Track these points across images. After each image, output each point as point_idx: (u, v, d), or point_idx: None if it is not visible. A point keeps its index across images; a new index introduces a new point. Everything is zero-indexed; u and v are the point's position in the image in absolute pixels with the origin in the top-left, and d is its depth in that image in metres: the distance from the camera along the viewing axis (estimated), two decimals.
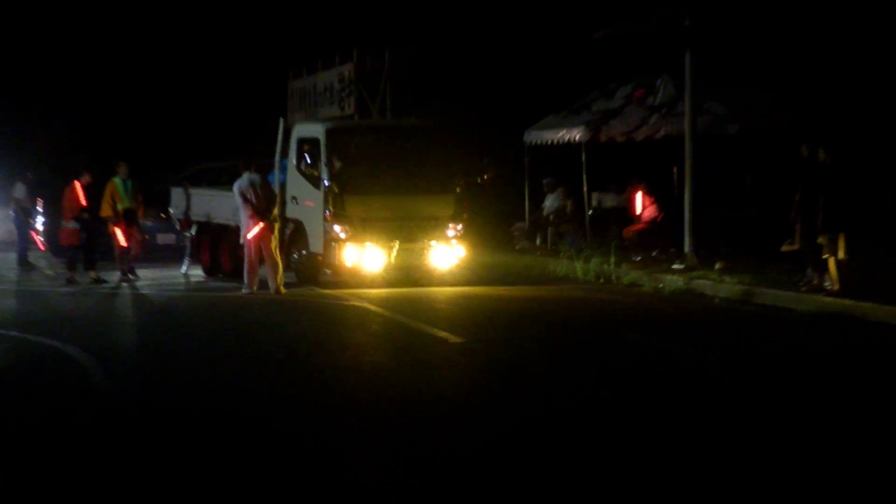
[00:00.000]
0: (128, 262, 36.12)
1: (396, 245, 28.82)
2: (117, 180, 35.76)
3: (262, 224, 30.46)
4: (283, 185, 31.04)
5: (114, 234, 35.66)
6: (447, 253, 29.60)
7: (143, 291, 33.45)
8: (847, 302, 24.01)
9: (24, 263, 38.21)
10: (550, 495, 12.15)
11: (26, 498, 12.39)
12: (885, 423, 15.12)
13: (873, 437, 14.49)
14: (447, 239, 29.67)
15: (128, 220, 36.15)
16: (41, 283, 36.11)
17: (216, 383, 18.72)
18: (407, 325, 22.74)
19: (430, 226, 29.46)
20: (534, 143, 41.15)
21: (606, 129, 38.52)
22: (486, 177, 35.86)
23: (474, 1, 40.42)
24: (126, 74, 68.63)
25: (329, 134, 29.46)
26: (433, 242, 29.37)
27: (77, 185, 35.57)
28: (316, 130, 30.01)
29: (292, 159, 30.87)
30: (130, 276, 35.76)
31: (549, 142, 39.68)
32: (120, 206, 35.60)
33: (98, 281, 34.97)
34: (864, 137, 33.60)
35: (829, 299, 24.54)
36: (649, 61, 36.22)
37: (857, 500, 11.99)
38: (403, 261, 29.07)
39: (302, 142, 30.49)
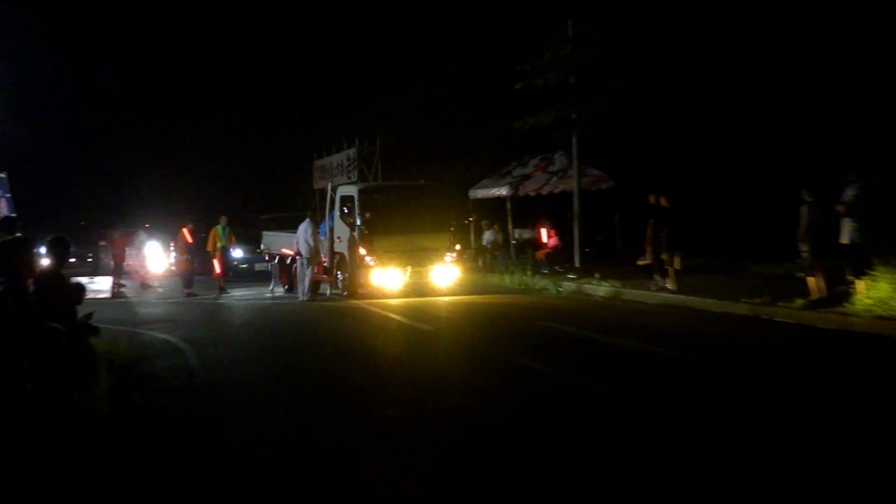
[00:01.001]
0: (222, 282, 36.87)
1: (409, 269, 29.39)
2: (218, 227, 37.29)
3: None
4: (331, 229, 31.33)
5: (212, 265, 37.21)
6: (445, 273, 30.01)
7: (232, 302, 33.21)
8: (681, 297, 24.64)
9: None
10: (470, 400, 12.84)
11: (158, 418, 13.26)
12: (698, 364, 15.99)
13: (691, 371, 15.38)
14: (445, 263, 30.08)
15: (223, 254, 37.64)
16: (163, 297, 35.87)
17: (270, 356, 19.42)
18: (403, 321, 23.01)
19: (433, 254, 29.85)
20: (475, 197, 42.09)
21: (523, 187, 39.49)
22: (470, 220, 38.04)
23: (430, 105, 40.66)
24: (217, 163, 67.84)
25: (361, 192, 30.00)
26: (435, 266, 29.84)
27: (184, 230, 36.98)
28: (352, 190, 30.47)
29: (337, 211, 31.07)
30: (223, 292, 36.06)
31: (485, 196, 40.37)
32: (218, 245, 36.93)
33: (192, 295, 35.27)
34: (691, 188, 34.41)
35: (669, 296, 25.11)
36: (550, 141, 36.74)
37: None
38: (414, 279, 29.49)
39: (343, 198, 30.79)
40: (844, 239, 20.22)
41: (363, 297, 28.35)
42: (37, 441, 7.31)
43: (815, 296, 21.03)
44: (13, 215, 14.04)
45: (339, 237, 30.24)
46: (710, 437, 11.07)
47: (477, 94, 37.44)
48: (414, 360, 17.90)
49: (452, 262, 30.04)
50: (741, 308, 22.16)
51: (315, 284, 31.55)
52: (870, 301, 19.13)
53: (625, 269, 30.17)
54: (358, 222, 29.17)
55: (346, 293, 29.14)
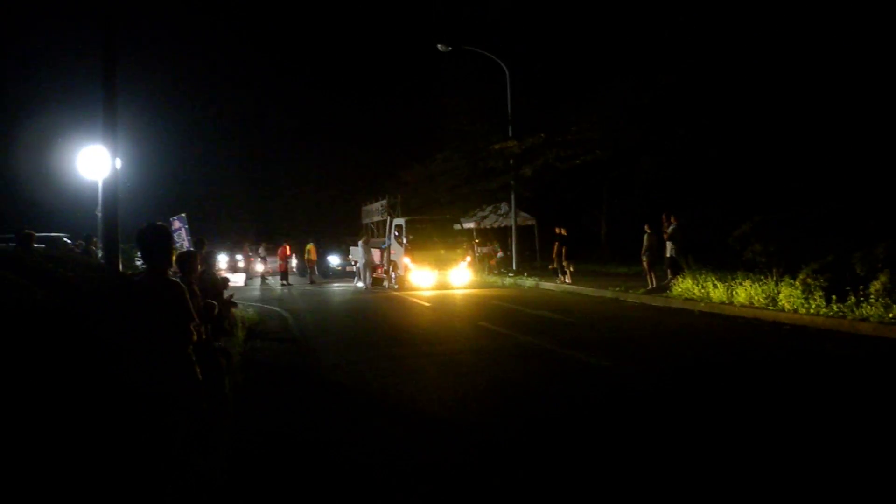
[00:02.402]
0: (313, 276, 35.43)
1: (437, 271, 27.73)
2: (310, 245, 35.66)
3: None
4: (388, 246, 29.61)
5: (310, 266, 35.55)
6: (461, 274, 28.27)
7: (324, 289, 31.08)
8: (574, 287, 24.54)
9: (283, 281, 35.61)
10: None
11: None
12: (580, 322, 16.26)
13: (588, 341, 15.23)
14: (460, 268, 28.34)
15: (318, 259, 36.85)
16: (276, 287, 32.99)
17: (341, 324, 19.03)
18: (422, 304, 21.67)
19: (453, 262, 28.13)
20: (458, 228, 41.32)
21: (483, 223, 38.41)
22: (476, 241, 35.19)
23: (428, 180, 39.67)
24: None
25: (407, 222, 28.72)
26: (454, 269, 28.10)
27: (285, 245, 35.79)
28: (401, 220, 29.11)
29: (391, 234, 29.40)
30: (314, 282, 34.50)
31: (463, 228, 40.06)
32: (312, 257, 35.37)
33: (288, 284, 33.95)
34: (579, 223, 34.50)
35: (567, 286, 24.96)
36: (499, 196, 36.29)
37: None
38: (440, 278, 27.71)
39: (396, 226, 29.30)
40: (667, 254, 20.85)
41: (405, 290, 26.83)
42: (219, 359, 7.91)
43: (650, 287, 21.56)
44: (192, 249, 14.35)
45: (393, 251, 28.91)
46: (585, 354, 11.67)
47: (456, 171, 36.80)
48: (422, 323, 18.00)
49: (465, 267, 28.46)
50: (608, 293, 22.39)
51: (376, 280, 30.48)
52: (681, 290, 19.59)
53: (542, 272, 30.02)
54: (404, 241, 27.90)
55: (396, 287, 27.87)
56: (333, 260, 40.18)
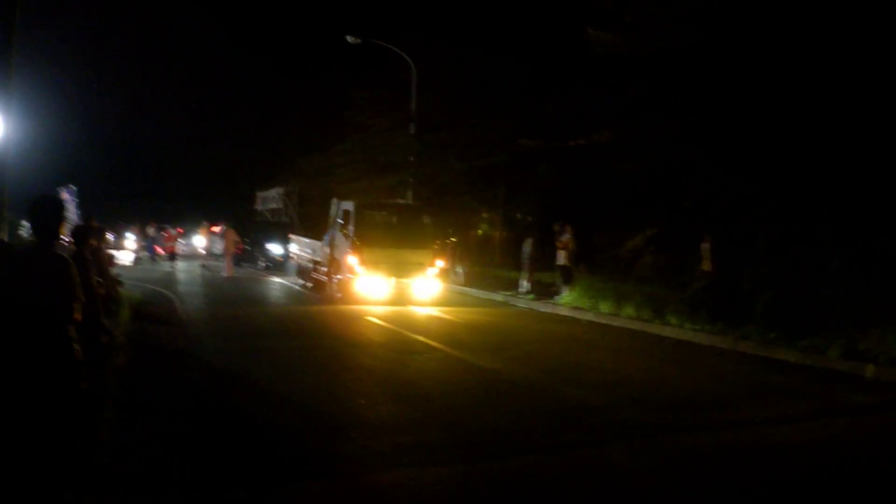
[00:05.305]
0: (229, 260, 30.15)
1: (393, 279, 20.01)
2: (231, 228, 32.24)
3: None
4: (330, 240, 21.79)
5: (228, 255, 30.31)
6: (427, 286, 20.42)
7: (223, 274, 28.95)
8: (465, 288, 24.23)
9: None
10: None
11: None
12: (463, 321, 16.35)
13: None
14: (426, 277, 20.47)
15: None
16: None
17: (225, 302, 19.02)
18: (374, 322, 16.52)
19: (416, 268, 20.35)
20: None
21: None
22: (451, 240, 26.99)
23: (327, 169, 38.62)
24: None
25: (357, 207, 20.81)
26: (418, 279, 20.30)
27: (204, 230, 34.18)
28: (349, 205, 21.16)
29: (337, 220, 21.61)
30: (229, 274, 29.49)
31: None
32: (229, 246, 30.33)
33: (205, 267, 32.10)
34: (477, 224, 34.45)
35: (460, 287, 24.71)
36: (397, 193, 35.75)
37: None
38: (397, 289, 20.12)
39: (342, 211, 21.38)
40: (560, 262, 21.07)
41: (351, 302, 19.65)
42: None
43: (538, 292, 21.79)
44: (81, 223, 13.93)
45: (337, 246, 21.23)
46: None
47: (355, 164, 36.06)
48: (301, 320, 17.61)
49: (434, 276, 20.79)
50: (499, 297, 22.52)
51: (317, 284, 23.11)
52: (570, 298, 19.87)
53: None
54: (352, 234, 20.25)
55: (339, 295, 20.30)
56: (275, 248, 33.95)
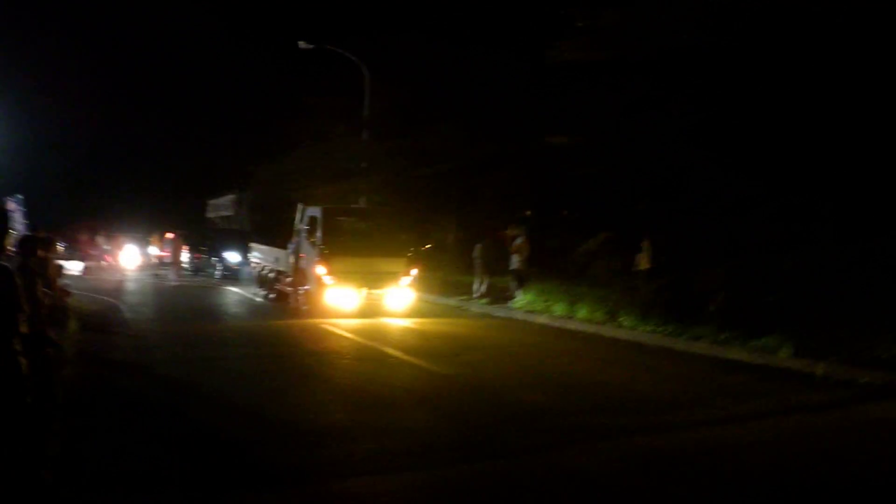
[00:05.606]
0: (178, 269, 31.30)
1: (368, 290, 18.49)
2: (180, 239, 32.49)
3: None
4: (295, 248, 20.09)
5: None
6: (400, 296, 18.90)
7: (172, 283, 28.90)
8: (421, 294, 24.68)
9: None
10: None
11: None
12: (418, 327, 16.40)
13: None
14: (400, 287, 18.92)
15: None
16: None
17: (178, 313, 18.81)
18: (337, 333, 15.46)
19: (389, 277, 18.82)
20: None
21: None
22: (427, 246, 25.92)
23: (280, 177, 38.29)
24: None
25: (325, 213, 19.13)
26: (390, 289, 18.78)
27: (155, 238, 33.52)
28: (316, 210, 19.39)
29: (302, 228, 19.75)
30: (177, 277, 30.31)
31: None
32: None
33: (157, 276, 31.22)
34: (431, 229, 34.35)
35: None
36: (351, 199, 35.60)
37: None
38: (369, 301, 18.59)
39: (308, 217, 19.48)
40: (514, 266, 21.10)
41: (318, 316, 18.13)
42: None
43: (492, 296, 21.80)
44: (28, 234, 13.69)
45: (303, 255, 19.58)
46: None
47: (309, 171, 35.68)
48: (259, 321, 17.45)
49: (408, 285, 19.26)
50: (452, 301, 22.49)
51: (280, 295, 21.58)
52: (524, 301, 19.92)
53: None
54: (320, 241, 18.64)
55: (305, 307, 18.87)
56: (232, 257, 31.93)
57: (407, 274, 19.17)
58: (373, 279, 18.68)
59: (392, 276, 18.93)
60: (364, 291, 18.54)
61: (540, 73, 22.35)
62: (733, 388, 10.58)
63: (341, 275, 18.34)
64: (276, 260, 22.30)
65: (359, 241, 19.28)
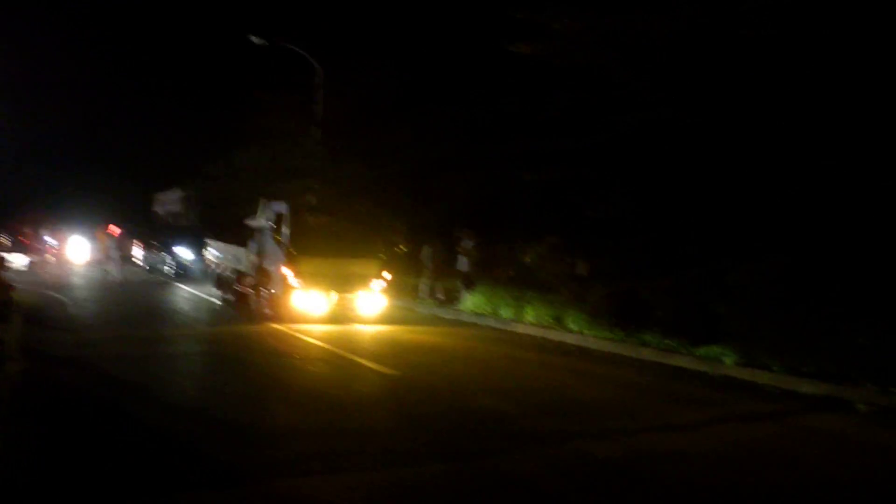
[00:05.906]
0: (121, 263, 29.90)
1: (334, 294, 17.40)
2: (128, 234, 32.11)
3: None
4: (259, 248, 18.71)
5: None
6: (372, 301, 17.92)
7: (116, 278, 28.29)
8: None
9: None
10: None
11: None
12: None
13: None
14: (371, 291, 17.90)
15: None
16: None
17: (121, 310, 18.66)
18: (303, 339, 14.64)
19: (360, 281, 17.80)
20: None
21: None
22: (401, 247, 24.48)
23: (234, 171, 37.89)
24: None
25: (293, 210, 17.76)
26: (361, 293, 17.77)
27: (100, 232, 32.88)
28: (282, 206, 18.04)
29: (265, 228, 18.42)
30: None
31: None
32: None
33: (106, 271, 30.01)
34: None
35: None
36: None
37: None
38: (339, 305, 17.55)
39: (274, 214, 18.07)
40: (461, 268, 21.18)
41: (285, 321, 17.01)
42: None
43: (442, 298, 21.83)
44: None
45: (268, 255, 18.21)
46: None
47: (260, 168, 35.25)
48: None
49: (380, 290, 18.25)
50: (401, 303, 22.17)
51: (242, 298, 19.55)
52: (472, 304, 20.00)
53: None
54: (286, 240, 17.46)
55: (269, 312, 17.53)
56: (184, 253, 30.75)
57: (379, 276, 18.20)
58: (342, 282, 17.69)
59: (363, 278, 17.96)
60: (333, 295, 17.54)
61: (493, 74, 22.50)
62: (679, 396, 10.71)
63: (310, 277, 17.23)
64: (236, 259, 20.87)
65: (329, 240, 17.92)
